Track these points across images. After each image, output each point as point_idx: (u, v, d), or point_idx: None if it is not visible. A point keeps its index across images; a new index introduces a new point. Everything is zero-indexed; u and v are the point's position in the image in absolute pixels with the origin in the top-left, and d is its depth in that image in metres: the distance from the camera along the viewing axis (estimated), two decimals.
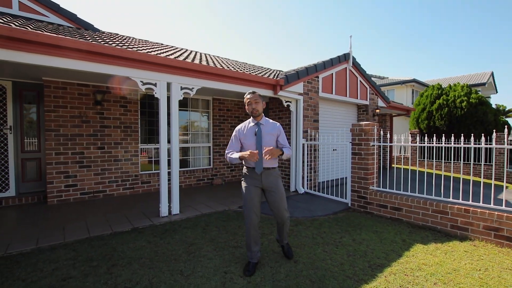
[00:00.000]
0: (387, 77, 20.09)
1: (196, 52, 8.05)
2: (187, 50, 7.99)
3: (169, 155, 4.24)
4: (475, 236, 3.57)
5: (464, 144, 4.06)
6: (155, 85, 3.98)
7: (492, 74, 19.48)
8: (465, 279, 2.56)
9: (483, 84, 17.82)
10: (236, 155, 2.58)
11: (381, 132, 4.75)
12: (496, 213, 3.42)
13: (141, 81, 3.87)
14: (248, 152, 2.43)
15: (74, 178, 5.05)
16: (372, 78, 20.90)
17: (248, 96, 2.66)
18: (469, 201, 3.77)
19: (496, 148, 9.00)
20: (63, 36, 3.37)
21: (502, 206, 3.49)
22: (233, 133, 2.76)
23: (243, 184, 2.67)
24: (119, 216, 4.19)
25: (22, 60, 3.08)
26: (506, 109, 37.92)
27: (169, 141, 4.24)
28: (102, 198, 5.32)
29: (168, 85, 4.16)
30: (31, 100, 5.14)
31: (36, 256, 2.88)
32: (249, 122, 2.71)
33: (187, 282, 2.40)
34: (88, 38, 3.97)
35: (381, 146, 4.70)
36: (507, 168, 9.28)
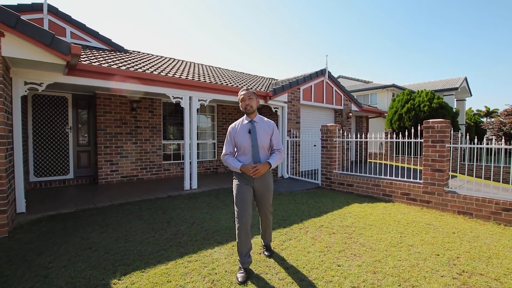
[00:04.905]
0: (372, 81, 22.01)
1: (203, 66, 9.82)
2: (195, 64, 9.76)
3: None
4: (395, 200, 5.41)
5: (402, 139, 5.84)
6: (181, 98, 5.75)
7: (466, 79, 21.49)
8: (373, 216, 4.38)
9: (456, 88, 19.83)
10: (236, 164, 2.50)
11: (341, 131, 6.59)
12: (407, 184, 5.26)
13: (172, 96, 5.64)
14: (250, 168, 2.42)
15: (116, 165, 6.79)
16: (358, 82, 22.76)
17: (242, 93, 2.59)
18: (393, 177, 5.62)
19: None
20: (150, 73, 5.14)
21: (410, 179, 5.34)
22: (227, 132, 2.67)
23: (235, 182, 2.61)
24: (155, 189, 5.96)
25: (104, 85, 4.83)
26: (490, 110, 39.92)
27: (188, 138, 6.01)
28: (135, 180, 7.06)
29: (190, 98, 5.92)
30: (84, 107, 6.87)
31: (113, 208, 4.64)
32: (243, 120, 2.63)
33: (211, 216, 4.20)
34: (141, 67, 5.72)
35: (355, 143, 6.51)
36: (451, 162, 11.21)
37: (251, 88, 7.43)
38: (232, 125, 2.68)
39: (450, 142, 4.89)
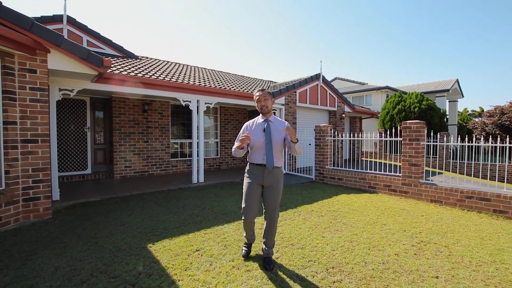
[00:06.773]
0: (367, 83, 22.80)
1: (206, 70, 10.54)
2: (199, 68, 10.48)
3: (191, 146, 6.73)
4: (379, 191, 6.15)
5: (384, 138, 6.53)
6: (190, 102, 6.47)
7: (457, 81, 22.30)
8: (357, 204, 5.12)
9: (447, 90, 20.63)
10: (235, 145, 2.57)
11: (332, 131, 7.32)
12: (388, 177, 6.00)
13: (182, 100, 6.36)
14: (243, 136, 2.44)
15: (130, 162, 7.50)
16: (354, 84, 23.52)
17: (258, 94, 2.62)
18: (377, 171, 6.36)
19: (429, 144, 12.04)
20: (162, 79, 5.85)
21: (392, 172, 6.09)
22: (242, 128, 2.73)
23: (246, 180, 2.70)
24: (166, 183, 6.68)
25: (138, 92, 5.55)
26: (484, 111, 40.89)
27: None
28: (146, 176, 7.77)
29: (198, 101, 6.64)
30: (100, 108, 7.57)
31: (133, 197, 5.35)
32: (258, 119, 2.69)
33: (219, 203, 4.93)
34: (158, 75, 6.43)
35: (348, 142, 7.23)
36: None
37: (254, 86, 8.15)
38: (247, 123, 2.75)
39: (425, 140, 5.63)
